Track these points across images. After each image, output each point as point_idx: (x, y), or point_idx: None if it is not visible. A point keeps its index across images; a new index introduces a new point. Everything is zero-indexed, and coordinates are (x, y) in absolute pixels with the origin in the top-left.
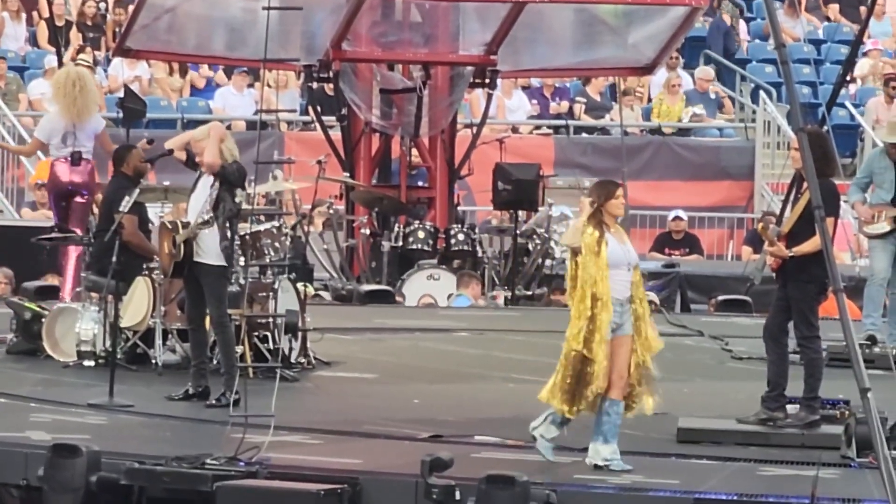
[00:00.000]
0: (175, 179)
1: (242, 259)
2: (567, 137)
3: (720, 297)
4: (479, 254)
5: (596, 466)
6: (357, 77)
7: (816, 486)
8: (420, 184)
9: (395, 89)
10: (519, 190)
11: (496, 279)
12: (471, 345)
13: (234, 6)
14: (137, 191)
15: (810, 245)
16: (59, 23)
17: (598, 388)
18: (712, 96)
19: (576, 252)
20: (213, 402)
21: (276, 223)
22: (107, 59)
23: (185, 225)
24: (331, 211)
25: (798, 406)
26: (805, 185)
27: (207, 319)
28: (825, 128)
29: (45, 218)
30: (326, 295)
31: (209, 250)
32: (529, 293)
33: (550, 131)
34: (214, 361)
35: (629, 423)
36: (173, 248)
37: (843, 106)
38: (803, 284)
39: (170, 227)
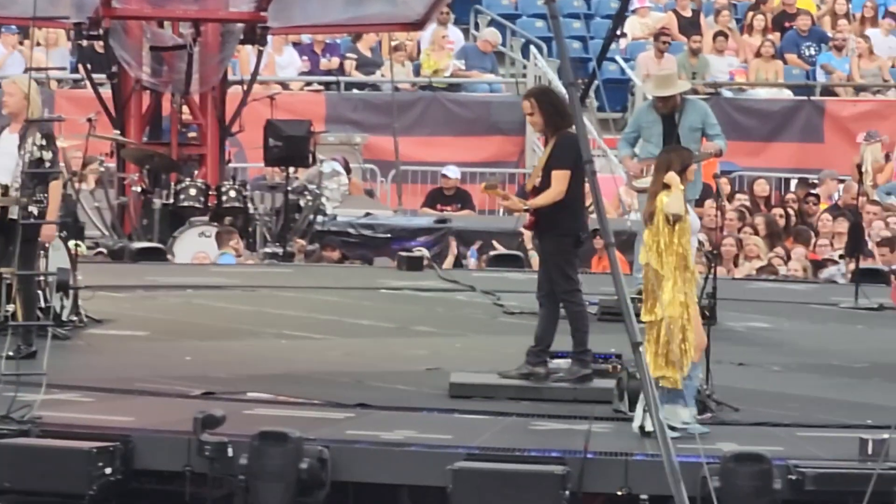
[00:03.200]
0: None
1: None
2: (338, 94)
3: (492, 252)
4: (251, 210)
5: (671, 428)
6: (127, 34)
7: (589, 440)
8: (191, 140)
9: (165, 46)
10: (290, 146)
11: (267, 235)
12: (243, 301)
13: None
14: None
15: (545, 197)
16: None
17: (693, 355)
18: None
19: (672, 219)
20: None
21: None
22: None
23: (4, 188)
24: (102, 168)
25: (570, 361)
26: (548, 140)
27: None
28: (595, 82)
29: None
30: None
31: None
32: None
33: (321, 87)
34: None
35: (402, 379)
36: None
37: (613, 60)
38: (558, 238)
39: None
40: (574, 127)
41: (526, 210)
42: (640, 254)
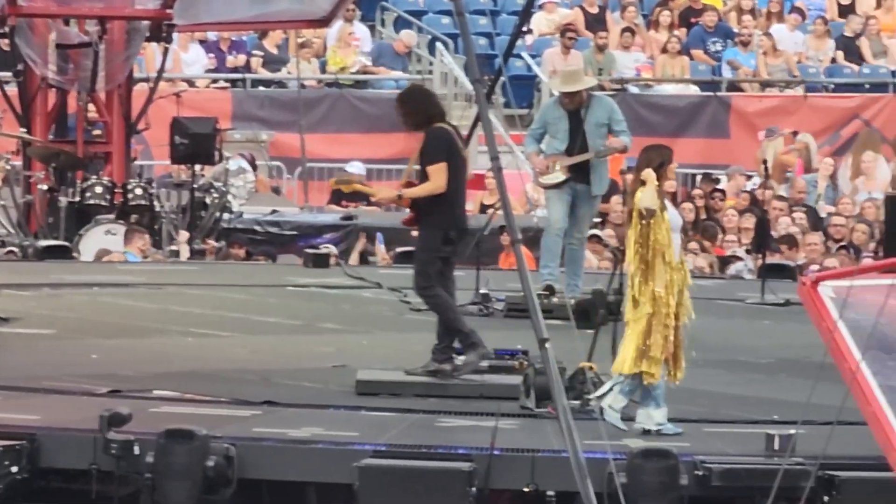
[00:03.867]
0: None
1: None
2: (244, 91)
3: (398, 249)
4: (157, 208)
5: (645, 431)
6: (33, 32)
7: (496, 436)
8: (96, 138)
9: (71, 44)
10: (196, 143)
11: (173, 233)
12: (149, 299)
13: None
14: None
15: (421, 189)
16: None
17: (670, 349)
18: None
19: (644, 215)
20: None
21: None
22: None
23: None
24: (8, 167)
25: (465, 354)
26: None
27: None
28: (502, 79)
29: None
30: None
31: None
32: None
33: (227, 85)
34: None
35: (309, 376)
36: None
37: (519, 57)
38: (426, 232)
39: None
40: (446, 121)
41: (399, 198)
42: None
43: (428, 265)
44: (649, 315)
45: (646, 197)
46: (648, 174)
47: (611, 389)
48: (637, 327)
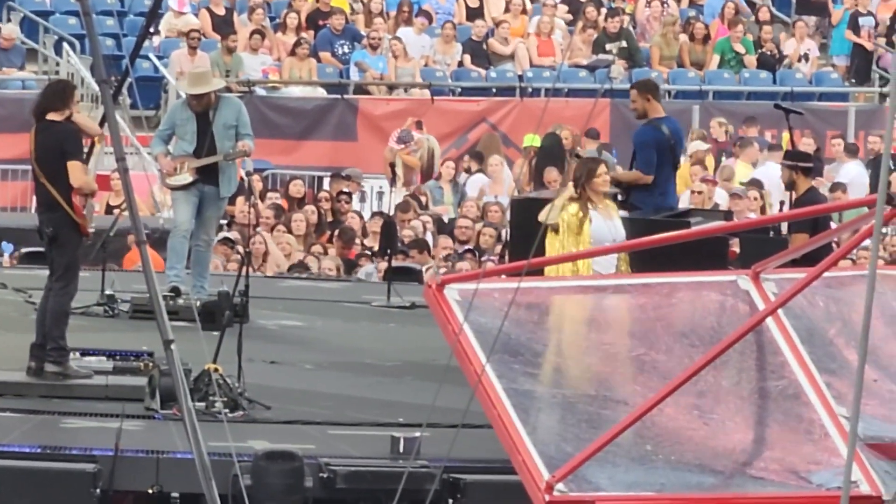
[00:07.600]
0: None
1: None
2: None
3: (24, 250)
4: None
5: None
6: None
7: (120, 437)
8: None
9: None
10: None
11: None
12: None
13: None
14: None
15: None
16: None
17: None
18: (19, 48)
19: (554, 229)
20: None
21: None
22: None
23: None
24: None
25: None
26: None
27: None
28: (129, 80)
29: None
30: None
31: None
32: None
33: None
34: None
35: None
36: None
37: (146, 58)
38: None
39: None
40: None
41: None
42: None
43: None
44: None
45: (545, 211)
46: (567, 189)
47: None
48: None
